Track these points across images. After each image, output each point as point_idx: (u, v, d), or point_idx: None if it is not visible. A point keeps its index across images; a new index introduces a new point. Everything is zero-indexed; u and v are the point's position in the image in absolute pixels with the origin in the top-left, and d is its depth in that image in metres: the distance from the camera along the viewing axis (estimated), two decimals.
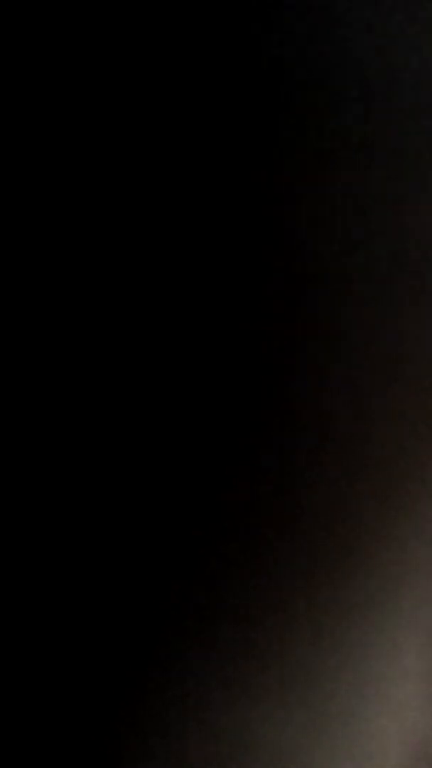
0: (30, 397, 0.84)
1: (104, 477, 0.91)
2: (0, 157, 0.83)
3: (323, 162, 1.13)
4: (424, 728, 1.24)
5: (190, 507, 0.98)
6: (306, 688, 1.09)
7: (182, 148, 0.96)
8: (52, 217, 0.86)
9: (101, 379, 0.90)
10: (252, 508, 1.05)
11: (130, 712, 0.91)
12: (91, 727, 0.88)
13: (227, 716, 1.00)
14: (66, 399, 0.87)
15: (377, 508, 1.20)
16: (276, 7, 1.05)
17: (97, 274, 0.90)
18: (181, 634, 0.96)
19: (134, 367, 0.93)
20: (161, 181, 0.95)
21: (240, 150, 1.03)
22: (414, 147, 1.20)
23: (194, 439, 0.99)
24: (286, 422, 1.10)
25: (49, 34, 0.85)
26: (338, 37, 1.12)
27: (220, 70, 1.00)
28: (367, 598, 1.17)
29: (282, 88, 1.07)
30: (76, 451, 0.88)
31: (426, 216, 1.24)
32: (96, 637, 0.89)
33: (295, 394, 1.11)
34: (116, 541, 0.91)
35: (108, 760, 0.89)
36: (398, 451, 1.24)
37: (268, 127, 1.07)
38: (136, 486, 0.93)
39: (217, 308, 1.02)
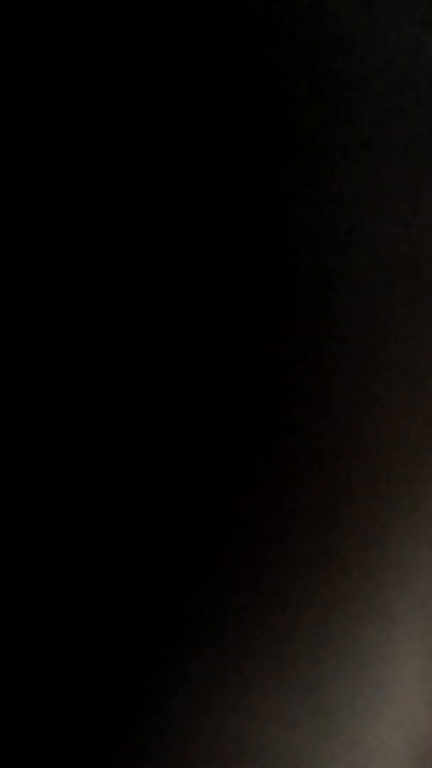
0: (31, 400, 0.85)
1: (104, 477, 0.91)
2: (1, 158, 0.84)
3: (323, 162, 1.13)
4: (425, 727, 1.25)
5: (191, 507, 0.99)
6: (306, 688, 1.10)
7: (182, 148, 0.97)
8: (54, 226, 0.86)
9: (101, 379, 0.91)
10: (252, 509, 1.06)
11: (130, 712, 0.92)
12: (91, 727, 0.88)
13: (228, 717, 1.01)
14: (67, 399, 0.88)
15: (377, 509, 1.21)
16: (276, 7, 1.05)
17: (98, 274, 0.90)
18: (182, 635, 0.97)
19: (134, 367, 0.94)
20: (161, 181, 0.95)
21: (240, 150, 1.04)
22: (414, 146, 1.20)
23: (194, 440, 0.99)
24: (285, 422, 1.10)
25: (49, 35, 0.85)
26: (338, 37, 1.12)
27: (220, 70, 1.00)
28: (368, 598, 1.17)
29: (282, 88, 1.07)
30: (76, 450, 0.89)
31: (426, 214, 1.24)
32: (96, 637, 0.89)
33: (295, 394, 1.11)
34: (116, 541, 0.92)
35: (108, 760, 0.90)
36: (398, 452, 1.24)
37: (268, 127, 1.07)
38: (136, 486, 0.94)
39: (217, 308, 1.02)
